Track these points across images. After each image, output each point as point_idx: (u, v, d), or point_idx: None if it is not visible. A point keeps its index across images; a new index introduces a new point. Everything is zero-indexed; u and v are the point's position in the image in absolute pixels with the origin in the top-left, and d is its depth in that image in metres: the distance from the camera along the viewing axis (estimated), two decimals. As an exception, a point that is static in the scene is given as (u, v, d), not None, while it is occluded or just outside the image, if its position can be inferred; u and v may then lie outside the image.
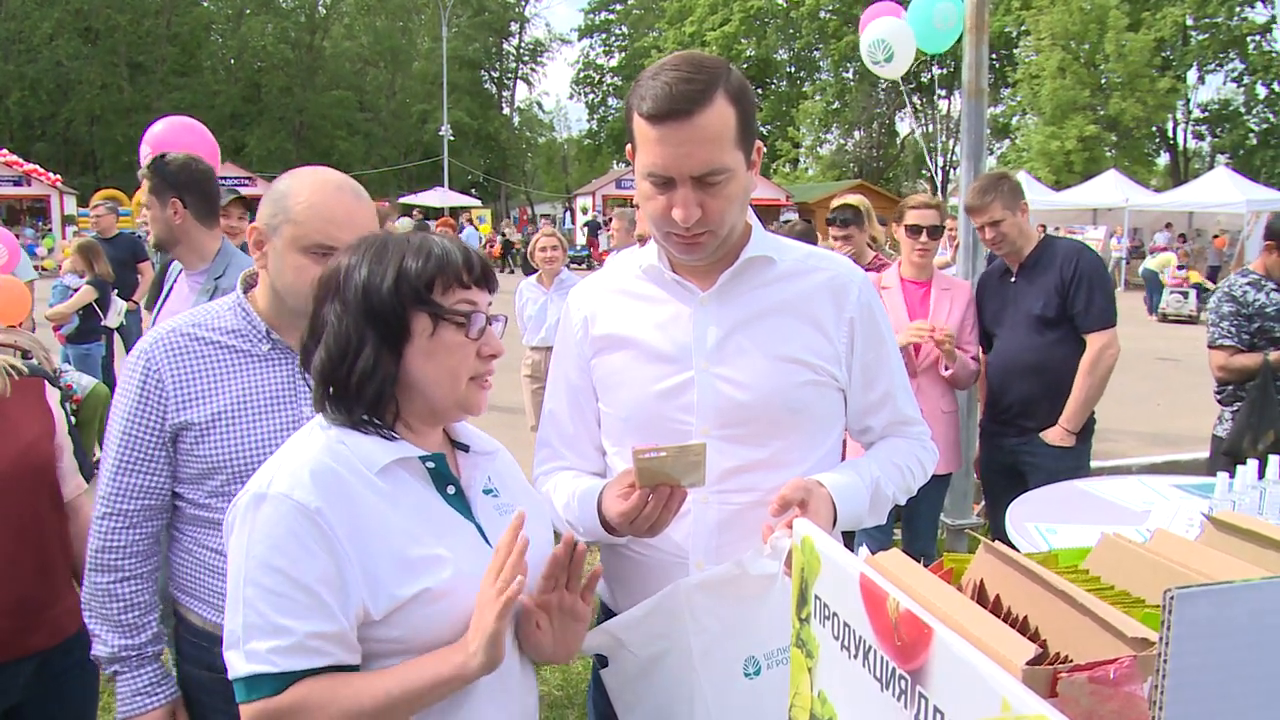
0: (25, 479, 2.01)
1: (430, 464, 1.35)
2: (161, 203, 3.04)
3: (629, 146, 1.60)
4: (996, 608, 0.91)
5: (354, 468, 1.28)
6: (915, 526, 4.13)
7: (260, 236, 1.75)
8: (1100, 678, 0.71)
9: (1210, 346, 3.86)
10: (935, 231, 3.94)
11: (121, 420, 1.77)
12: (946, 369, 3.84)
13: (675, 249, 1.61)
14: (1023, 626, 0.87)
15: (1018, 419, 3.85)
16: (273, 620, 1.20)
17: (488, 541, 1.36)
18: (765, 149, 1.74)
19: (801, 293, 1.66)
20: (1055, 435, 3.71)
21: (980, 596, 0.94)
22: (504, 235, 29.09)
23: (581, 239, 29.93)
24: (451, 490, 1.37)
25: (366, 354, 1.30)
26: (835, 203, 4.75)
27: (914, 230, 3.94)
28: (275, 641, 1.20)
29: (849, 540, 3.44)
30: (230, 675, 1.24)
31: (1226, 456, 3.76)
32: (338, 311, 1.32)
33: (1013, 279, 3.86)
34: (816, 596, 1.00)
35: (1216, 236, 22.77)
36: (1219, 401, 3.94)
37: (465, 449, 1.45)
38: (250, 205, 4.56)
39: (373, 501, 1.27)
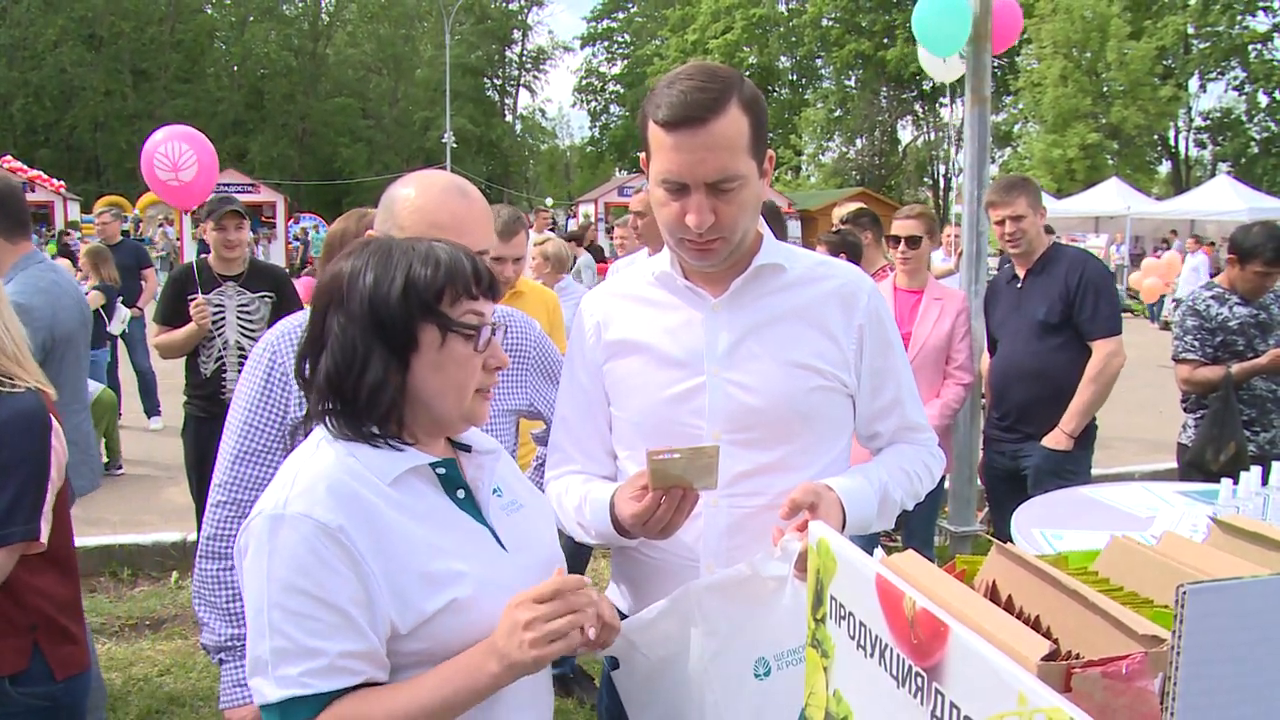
0: None
1: (441, 470, 1.34)
2: None
3: (642, 155, 1.63)
4: (1009, 607, 0.93)
5: (368, 481, 1.25)
6: (911, 530, 4.17)
7: None
8: (1113, 673, 0.73)
9: (1174, 360, 3.91)
10: (914, 241, 4.01)
11: (242, 411, 1.77)
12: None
13: (688, 255, 1.63)
14: (1035, 625, 0.88)
15: (1018, 424, 3.88)
16: (303, 643, 1.18)
17: (502, 545, 1.36)
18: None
19: (811, 299, 1.68)
20: (1054, 439, 3.73)
21: (993, 596, 0.95)
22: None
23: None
24: (461, 494, 1.36)
25: (375, 366, 1.27)
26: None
27: (893, 240, 4.12)
28: (308, 664, 1.18)
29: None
30: (259, 702, 1.21)
31: (1190, 468, 3.79)
32: (341, 322, 1.28)
33: (1019, 284, 3.89)
34: (832, 597, 1.02)
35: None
36: (1184, 409, 3.98)
37: (467, 449, 1.44)
38: (247, 215, 4.48)
39: (391, 515, 1.24)
